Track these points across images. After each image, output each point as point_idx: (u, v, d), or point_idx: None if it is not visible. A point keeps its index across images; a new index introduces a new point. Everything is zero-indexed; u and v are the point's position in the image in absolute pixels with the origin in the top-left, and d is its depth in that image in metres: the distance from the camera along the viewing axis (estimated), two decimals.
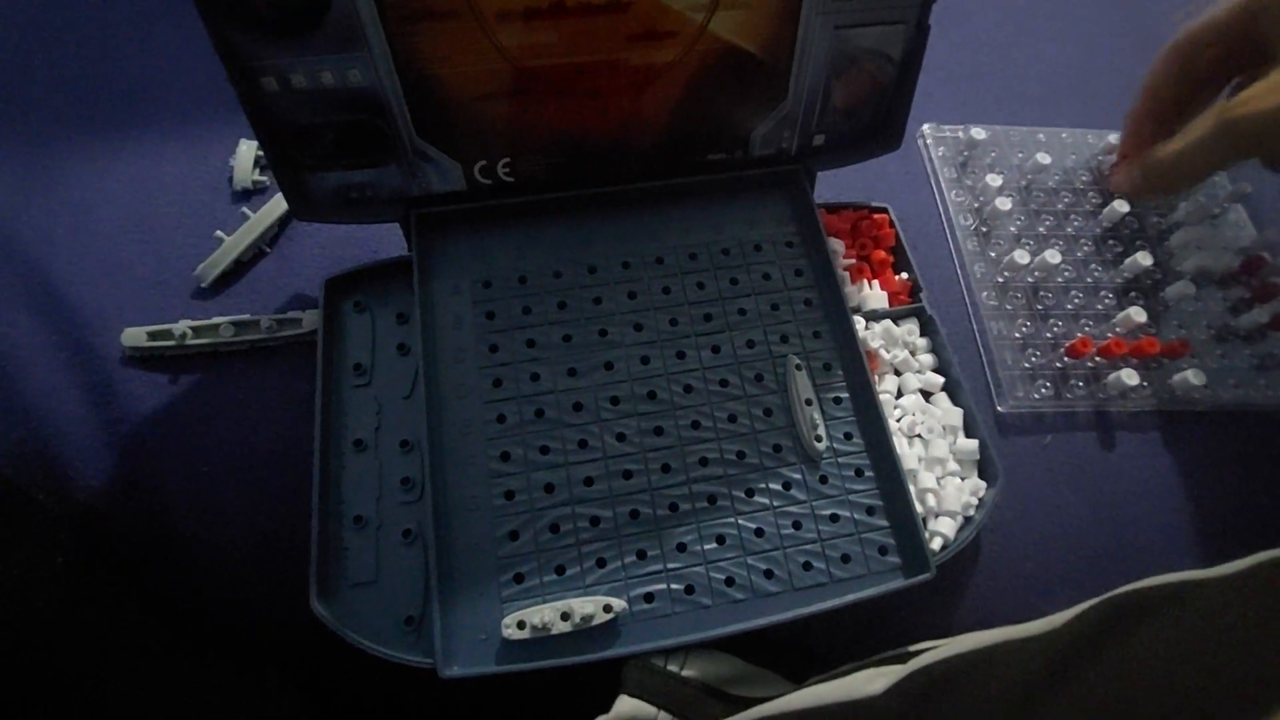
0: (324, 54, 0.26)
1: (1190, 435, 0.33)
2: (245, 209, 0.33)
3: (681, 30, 0.28)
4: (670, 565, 0.27)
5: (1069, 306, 0.35)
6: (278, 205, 0.33)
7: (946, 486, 0.29)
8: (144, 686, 0.24)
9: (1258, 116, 0.27)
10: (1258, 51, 0.30)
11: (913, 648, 0.28)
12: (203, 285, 0.31)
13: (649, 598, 0.27)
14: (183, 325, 0.30)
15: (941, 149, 0.39)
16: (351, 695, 0.27)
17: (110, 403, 0.29)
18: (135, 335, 0.29)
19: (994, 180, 0.37)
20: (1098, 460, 0.32)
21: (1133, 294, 0.35)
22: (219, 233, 0.32)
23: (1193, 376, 0.32)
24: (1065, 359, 0.33)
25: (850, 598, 0.27)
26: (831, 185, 0.35)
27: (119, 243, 0.32)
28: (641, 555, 0.27)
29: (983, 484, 0.29)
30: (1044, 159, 0.37)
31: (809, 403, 0.30)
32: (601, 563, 0.27)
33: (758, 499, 0.28)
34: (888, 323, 0.32)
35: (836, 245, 0.33)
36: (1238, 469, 0.32)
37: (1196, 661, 0.23)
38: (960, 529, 0.29)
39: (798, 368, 0.30)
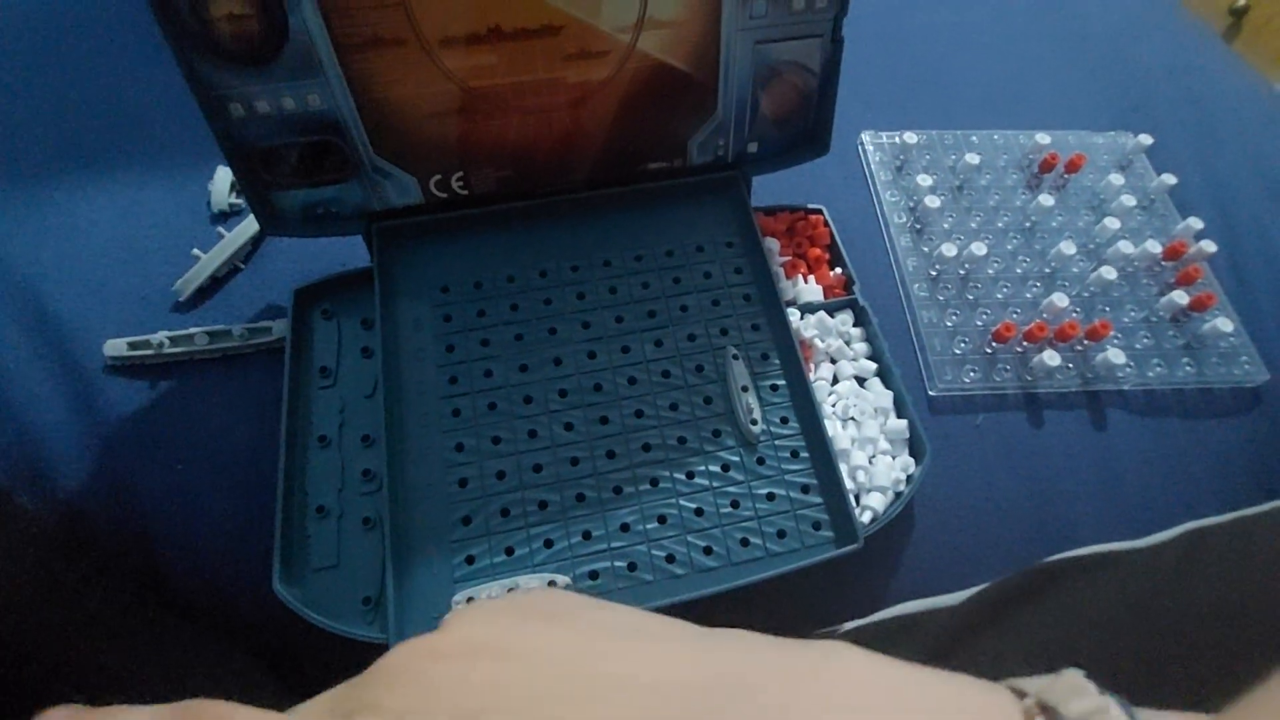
0: (284, 81, 0.28)
1: (1117, 414, 0.34)
2: (221, 229, 0.35)
3: (612, 49, 0.30)
4: (614, 544, 0.29)
5: (998, 296, 0.37)
6: (251, 225, 0.35)
7: (877, 464, 0.31)
8: (117, 664, 0.25)
9: None
10: None
11: (846, 625, 0.30)
12: (180, 299, 0.34)
13: (593, 575, 0.28)
14: (160, 335, 0.32)
15: (879, 154, 0.41)
16: (313, 671, 0.29)
17: (92, 408, 0.31)
18: (116, 345, 0.32)
19: (925, 180, 0.39)
20: (1027, 438, 0.34)
21: (1059, 282, 0.37)
22: (196, 250, 0.34)
23: (1113, 356, 0.34)
24: (993, 344, 0.35)
25: (785, 569, 0.28)
26: (774, 190, 0.38)
27: (103, 262, 0.34)
28: (587, 536, 0.29)
29: (912, 461, 0.31)
30: (973, 159, 0.40)
31: (745, 390, 0.31)
32: (549, 543, 0.29)
33: (697, 480, 0.30)
34: (822, 314, 0.34)
35: (772, 244, 0.35)
36: (1163, 445, 0.34)
37: (1110, 628, 0.24)
38: (890, 503, 0.30)
39: (735, 357, 0.32)
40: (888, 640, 0.25)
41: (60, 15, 0.42)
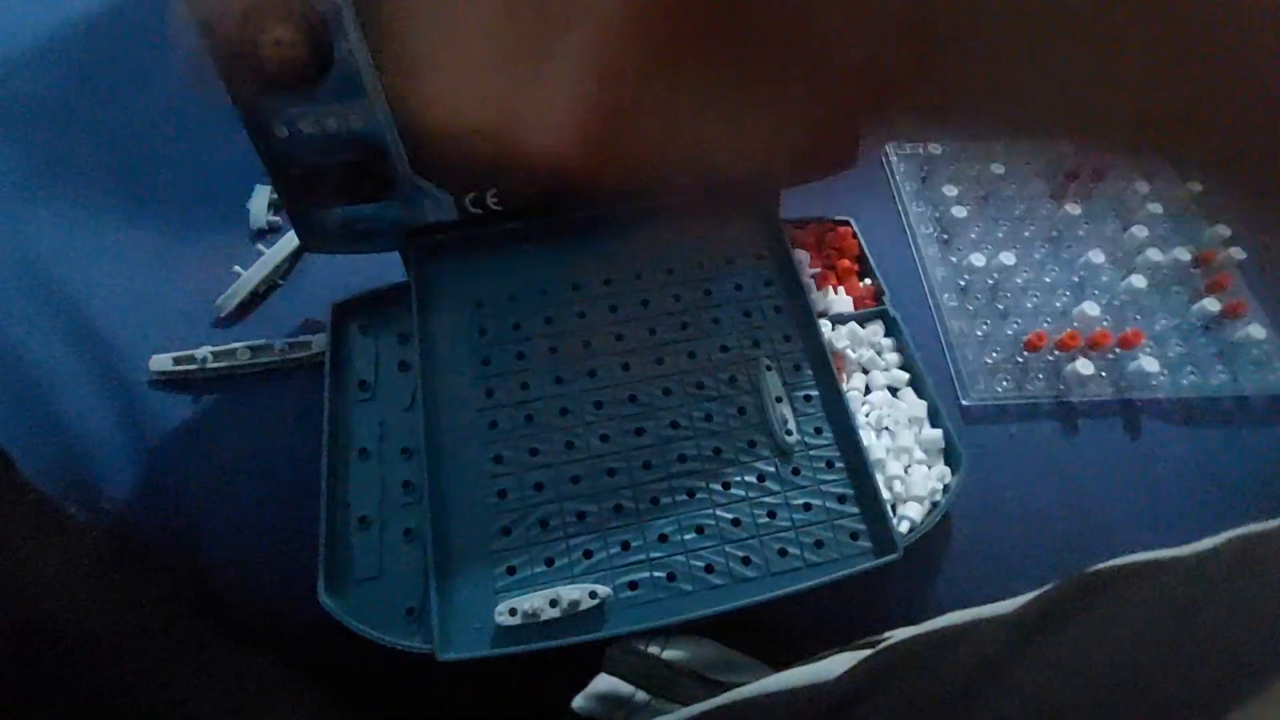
0: (328, 103, 0.29)
1: (1152, 422, 0.34)
2: (261, 246, 0.36)
3: None
4: (653, 555, 0.29)
5: (1028, 305, 0.37)
6: (290, 241, 0.36)
7: (913, 474, 0.31)
8: (167, 672, 0.26)
9: None
10: None
11: (888, 634, 0.29)
12: (222, 315, 0.35)
13: (633, 585, 0.28)
14: (204, 350, 0.33)
15: (904, 166, 0.42)
16: (357, 681, 0.29)
17: (138, 423, 0.31)
18: (161, 361, 0.32)
19: (951, 191, 0.39)
20: (1062, 447, 0.34)
21: (1089, 290, 0.37)
22: (237, 268, 0.35)
23: (1146, 364, 0.34)
24: (1025, 353, 0.35)
25: (824, 579, 0.28)
26: (801, 203, 0.38)
27: (148, 280, 0.35)
28: (626, 546, 0.29)
29: (948, 470, 0.31)
30: (998, 169, 0.40)
31: (779, 400, 0.32)
32: (588, 554, 0.29)
33: (734, 491, 0.30)
34: (853, 325, 0.34)
35: (802, 256, 0.35)
36: (1200, 453, 0.34)
37: (1161, 637, 0.24)
38: (927, 513, 0.30)
39: (768, 368, 0.32)
40: (938, 650, 0.25)
41: (104, 45, 0.44)
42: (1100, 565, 0.27)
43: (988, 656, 0.25)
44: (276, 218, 0.38)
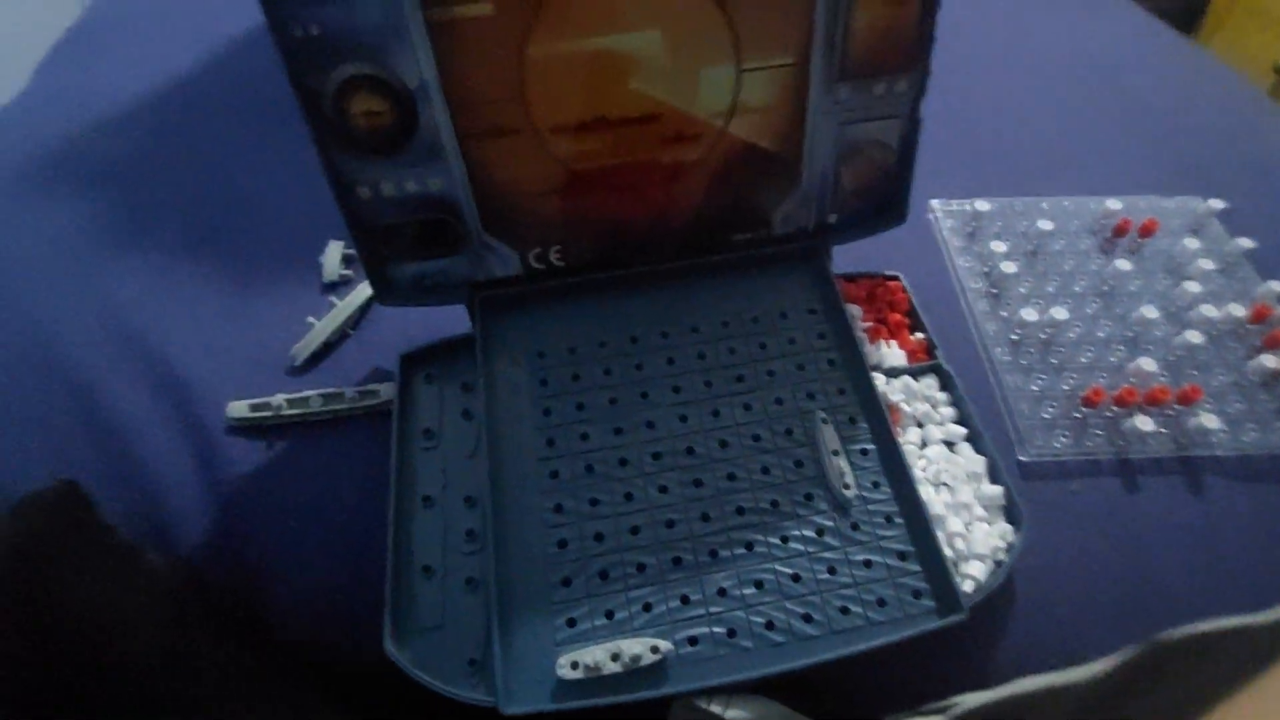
0: (409, 167, 0.31)
1: (1216, 480, 0.34)
2: (333, 298, 0.38)
3: (705, 133, 0.32)
4: (712, 609, 0.29)
5: (1083, 360, 0.37)
6: (360, 294, 0.38)
7: (974, 531, 0.31)
8: (233, 713, 0.26)
9: None
10: None
11: (955, 699, 0.29)
12: (296, 364, 0.36)
13: (693, 640, 0.28)
14: (279, 398, 0.34)
15: (950, 221, 0.43)
16: None
17: (215, 467, 0.33)
18: (239, 408, 0.34)
19: (999, 247, 0.40)
20: (1124, 505, 0.33)
21: (1144, 345, 0.37)
22: (310, 318, 0.37)
23: (1207, 421, 0.33)
24: (1082, 408, 0.35)
25: (887, 639, 0.28)
26: (852, 258, 0.39)
27: (225, 329, 0.37)
28: (685, 600, 0.29)
29: (1010, 528, 0.31)
30: (1046, 225, 0.41)
31: (836, 453, 0.32)
32: (648, 607, 0.29)
33: (793, 545, 0.30)
34: (907, 378, 0.35)
35: (854, 310, 0.36)
36: (1264, 512, 0.33)
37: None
38: (991, 572, 0.30)
39: (824, 421, 0.33)
40: (1011, 715, 0.24)
41: (185, 109, 0.47)
42: (1171, 633, 0.26)
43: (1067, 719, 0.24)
44: (348, 271, 0.39)
